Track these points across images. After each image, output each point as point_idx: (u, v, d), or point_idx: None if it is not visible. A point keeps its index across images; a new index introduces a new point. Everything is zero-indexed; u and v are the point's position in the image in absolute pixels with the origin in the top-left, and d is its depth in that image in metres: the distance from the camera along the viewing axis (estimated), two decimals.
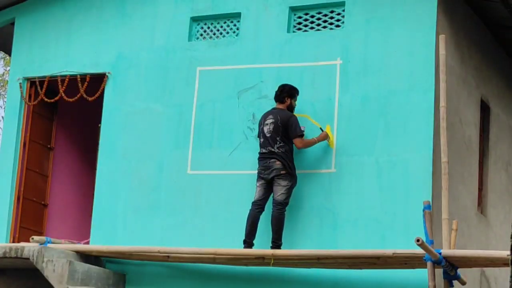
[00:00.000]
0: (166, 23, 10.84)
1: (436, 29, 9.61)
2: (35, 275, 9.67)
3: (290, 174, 9.58)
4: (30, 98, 11.47)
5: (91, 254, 10.07)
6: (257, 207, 9.63)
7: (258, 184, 9.67)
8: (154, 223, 10.33)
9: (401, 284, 9.17)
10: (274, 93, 9.98)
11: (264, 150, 9.67)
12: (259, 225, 9.62)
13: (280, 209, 9.52)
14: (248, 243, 9.57)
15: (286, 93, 9.83)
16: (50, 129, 12.04)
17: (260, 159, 9.70)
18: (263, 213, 9.65)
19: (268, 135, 9.67)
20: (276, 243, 9.51)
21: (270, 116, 9.75)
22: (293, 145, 9.67)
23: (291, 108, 9.86)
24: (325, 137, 9.75)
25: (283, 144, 9.62)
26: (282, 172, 9.54)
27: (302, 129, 9.69)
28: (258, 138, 9.87)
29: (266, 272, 9.65)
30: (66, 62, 11.26)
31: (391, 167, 9.48)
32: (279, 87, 9.87)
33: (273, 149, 9.62)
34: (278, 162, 9.54)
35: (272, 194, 9.63)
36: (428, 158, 9.32)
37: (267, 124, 9.71)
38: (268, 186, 9.63)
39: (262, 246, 9.56)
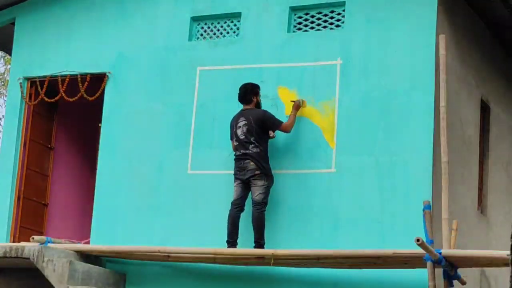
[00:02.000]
0: (166, 23, 10.83)
1: (436, 29, 9.61)
2: (35, 275, 9.66)
3: (266, 174, 9.60)
4: (30, 98, 11.47)
5: (91, 254, 10.08)
6: (236, 207, 9.66)
7: (235, 184, 9.70)
8: (154, 223, 10.33)
9: (401, 284, 9.18)
10: (274, 93, 10.02)
11: (238, 153, 9.69)
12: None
13: (259, 208, 9.54)
14: (231, 242, 9.59)
15: (251, 93, 9.86)
16: (50, 129, 12.04)
17: (235, 160, 9.73)
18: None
19: (242, 137, 9.67)
20: (259, 242, 9.53)
21: (242, 118, 9.75)
22: (268, 146, 9.71)
23: (258, 105, 9.89)
24: (298, 106, 9.79)
25: (257, 144, 9.63)
26: (257, 172, 9.57)
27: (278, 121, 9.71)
28: (231, 141, 9.87)
29: (266, 272, 9.66)
30: (67, 62, 11.25)
31: (391, 167, 9.47)
32: (241, 89, 9.87)
33: (247, 151, 9.63)
34: (252, 163, 9.56)
35: (250, 194, 9.66)
36: (428, 158, 9.32)
37: (240, 126, 9.71)
38: (244, 186, 9.66)
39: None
